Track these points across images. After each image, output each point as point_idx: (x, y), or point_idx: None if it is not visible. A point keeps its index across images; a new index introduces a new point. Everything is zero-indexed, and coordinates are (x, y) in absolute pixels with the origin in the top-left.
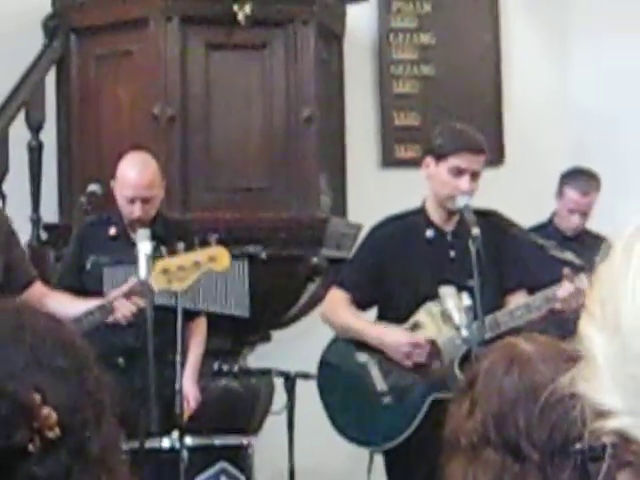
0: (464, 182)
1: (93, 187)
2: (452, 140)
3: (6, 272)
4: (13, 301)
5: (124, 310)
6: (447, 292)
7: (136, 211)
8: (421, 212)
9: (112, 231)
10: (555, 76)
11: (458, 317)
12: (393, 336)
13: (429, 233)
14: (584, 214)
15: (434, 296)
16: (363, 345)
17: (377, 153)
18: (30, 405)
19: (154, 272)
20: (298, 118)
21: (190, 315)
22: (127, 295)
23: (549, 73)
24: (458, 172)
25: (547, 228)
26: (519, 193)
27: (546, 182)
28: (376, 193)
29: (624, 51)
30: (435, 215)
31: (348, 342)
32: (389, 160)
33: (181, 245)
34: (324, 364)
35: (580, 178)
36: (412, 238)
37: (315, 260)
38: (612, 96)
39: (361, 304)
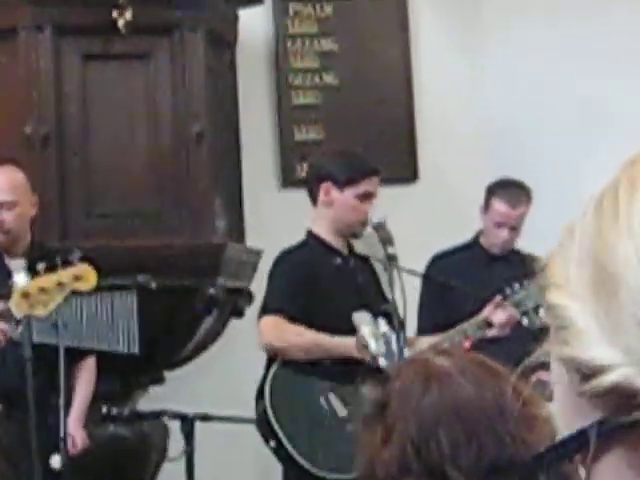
0: (371, 206)
1: None
2: (358, 165)
3: None
4: None
5: None
6: (361, 319)
7: None
8: (314, 242)
9: None
10: (471, 84)
11: (375, 345)
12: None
13: (337, 260)
14: (514, 229)
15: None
16: (312, 373)
17: (276, 172)
18: None
19: (14, 297)
20: (188, 134)
21: (77, 355)
22: None
23: (464, 80)
24: (366, 197)
25: (472, 248)
26: (436, 212)
27: (465, 199)
28: (277, 216)
29: (542, 62)
30: (336, 242)
31: (294, 371)
32: (290, 179)
33: (41, 265)
34: (275, 396)
35: (509, 189)
36: (322, 265)
37: (211, 291)
38: (530, 107)
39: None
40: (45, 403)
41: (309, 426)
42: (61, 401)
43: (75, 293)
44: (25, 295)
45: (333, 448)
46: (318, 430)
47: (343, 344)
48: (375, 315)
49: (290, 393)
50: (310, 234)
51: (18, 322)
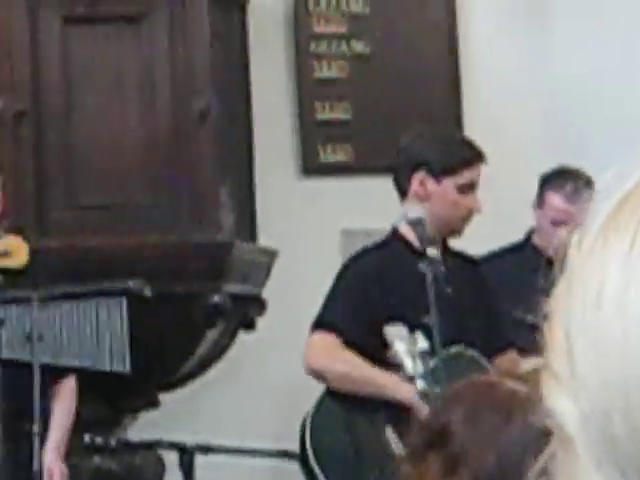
0: (475, 199)
1: None
2: (459, 150)
3: None
4: None
5: None
6: (395, 333)
7: None
8: (398, 243)
9: None
10: (530, 53)
11: (411, 365)
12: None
13: (421, 266)
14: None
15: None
16: (367, 402)
17: (295, 157)
18: None
19: None
20: (189, 112)
21: (54, 374)
22: None
23: (525, 56)
24: (469, 188)
25: (523, 250)
26: (484, 208)
27: (519, 195)
28: (295, 209)
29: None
30: None
31: (344, 399)
32: (311, 166)
33: None
34: (318, 431)
35: (567, 180)
36: (401, 269)
37: (216, 298)
38: (601, 100)
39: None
40: (16, 431)
41: (357, 469)
42: (35, 428)
43: (5, 273)
44: None
45: None
46: (368, 473)
47: (398, 387)
48: (412, 328)
49: (336, 427)
50: (394, 233)
51: None
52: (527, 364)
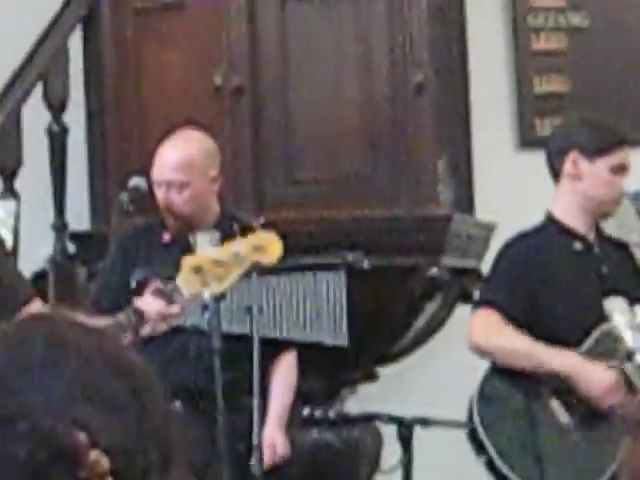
0: (624, 182)
1: (136, 181)
2: (610, 132)
3: None
4: (46, 312)
5: (152, 313)
6: (615, 306)
7: (159, 198)
8: (553, 227)
9: (166, 237)
10: None
11: (632, 338)
12: (595, 373)
13: (577, 246)
14: None
15: (595, 318)
16: (526, 375)
17: (512, 130)
18: (73, 448)
19: (182, 272)
20: (407, 85)
21: (275, 348)
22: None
23: None
24: (620, 170)
25: None
26: None
27: None
28: (512, 182)
29: None
30: (579, 224)
31: (508, 373)
32: (528, 139)
33: (216, 234)
34: (485, 405)
35: None
36: (557, 252)
37: (434, 271)
38: None
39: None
40: (235, 403)
41: (524, 438)
42: (255, 402)
43: (260, 268)
44: (197, 269)
45: (554, 462)
46: (535, 442)
47: (560, 359)
48: (632, 302)
49: (502, 399)
50: (549, 218)
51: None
52: None
